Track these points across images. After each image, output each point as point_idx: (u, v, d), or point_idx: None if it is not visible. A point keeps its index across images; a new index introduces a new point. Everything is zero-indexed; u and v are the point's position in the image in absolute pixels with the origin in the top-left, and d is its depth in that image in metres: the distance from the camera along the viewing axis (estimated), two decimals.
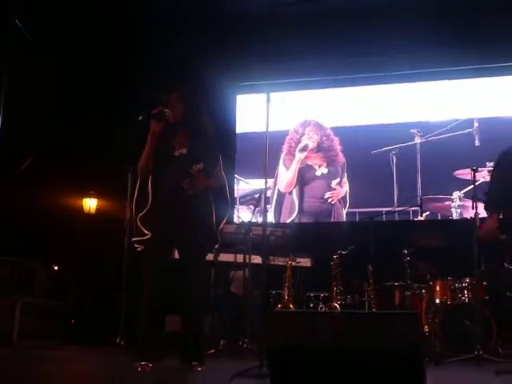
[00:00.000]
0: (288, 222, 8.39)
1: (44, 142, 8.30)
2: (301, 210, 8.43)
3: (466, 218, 6.61)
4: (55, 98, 8.33)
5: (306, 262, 6.40)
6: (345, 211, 8.24)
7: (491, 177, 4.54)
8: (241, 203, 8.62)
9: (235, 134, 8.88)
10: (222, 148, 7.33)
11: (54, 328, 7.85)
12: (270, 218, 8.49)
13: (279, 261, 6.13)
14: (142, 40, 8.26)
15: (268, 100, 4.55)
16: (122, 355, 4.87)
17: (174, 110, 4.17)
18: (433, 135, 7.99)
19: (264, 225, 5.32)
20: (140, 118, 4.07)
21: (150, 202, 4.10)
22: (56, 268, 8.72)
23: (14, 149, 8.23)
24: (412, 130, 8.11)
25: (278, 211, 8.56)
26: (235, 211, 8.33)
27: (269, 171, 8.28)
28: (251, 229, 5.86)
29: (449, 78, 8.21)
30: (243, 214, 8.02)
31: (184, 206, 4.06)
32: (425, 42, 7.72)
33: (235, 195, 8.56)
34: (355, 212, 8.18)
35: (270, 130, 8.26)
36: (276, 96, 8.70)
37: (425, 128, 8.08)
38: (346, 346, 2.38)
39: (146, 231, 4.04)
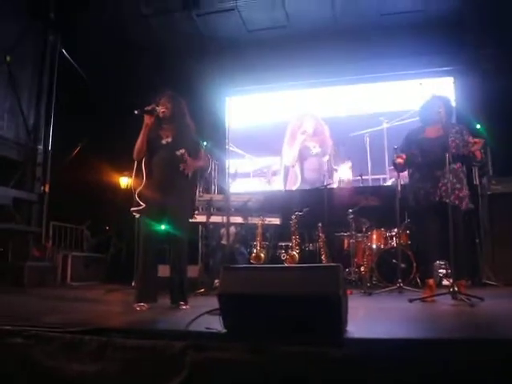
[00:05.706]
0: (294, 189, 8.03)
1: (90, 136, 8.01)
2: (303, 180, 8.10)
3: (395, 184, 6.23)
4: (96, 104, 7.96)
5: (276, 220, 6.10)
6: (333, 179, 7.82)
7: None
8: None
9: (225, 125, 8.46)
10: (215, 136, 7.01)
11: (97, 273, 7.69)
12: (280, 186, 8.19)
13: (254, 220, 5.82)
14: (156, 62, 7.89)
15: None
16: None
17: (163, 108, 3.85)
18: (396, 121, 7.61)
19: (227, 194, 4.98)
20: (136, 112, 3.80)
21: (144, 181, 3.78)
22: (99, 230, 8.52)
23: (66, 141, 7.98)
24: (380, 118, 7.75)
25: (285, 181, 8.23)
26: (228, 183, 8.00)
27: (276, 150, 8.19)
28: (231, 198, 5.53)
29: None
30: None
31: (171, 182, 3.79)
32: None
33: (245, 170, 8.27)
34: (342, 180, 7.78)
35: (273, 121, 8.05)
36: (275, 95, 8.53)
37: (390, 116, 7.71)
38: (278, 292, 2.18)
39: (141, 202, 3.74)
